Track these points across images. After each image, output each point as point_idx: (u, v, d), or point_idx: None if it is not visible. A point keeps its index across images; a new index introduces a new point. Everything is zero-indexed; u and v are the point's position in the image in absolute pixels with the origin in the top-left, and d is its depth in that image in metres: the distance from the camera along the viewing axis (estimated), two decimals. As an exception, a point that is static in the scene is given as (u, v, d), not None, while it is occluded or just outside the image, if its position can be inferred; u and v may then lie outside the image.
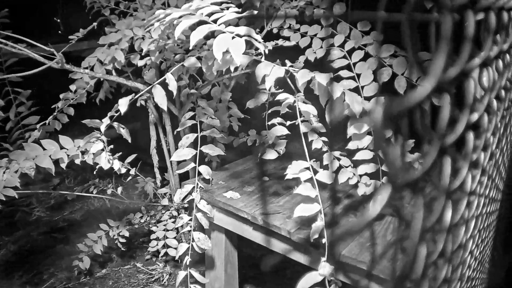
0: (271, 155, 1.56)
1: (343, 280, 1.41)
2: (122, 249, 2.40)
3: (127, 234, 2.30)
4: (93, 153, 1.67)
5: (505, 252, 2.31)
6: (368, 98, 1.54)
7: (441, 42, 0.24)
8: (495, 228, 1.49)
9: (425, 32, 0.36)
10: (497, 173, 0.97)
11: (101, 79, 2.07)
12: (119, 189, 2.31)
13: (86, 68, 1.91)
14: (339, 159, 1.56)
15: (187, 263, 1.76)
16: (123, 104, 1.57)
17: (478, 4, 0.41)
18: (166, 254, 2.19)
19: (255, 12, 1.70)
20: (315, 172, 1.39)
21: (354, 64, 1.61)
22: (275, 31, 1.92)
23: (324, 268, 1.43)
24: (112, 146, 1.74)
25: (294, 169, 1.35)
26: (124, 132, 1.72)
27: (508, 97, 0.72)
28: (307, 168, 1.37)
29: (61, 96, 2.09)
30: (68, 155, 1.64)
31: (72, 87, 2.06)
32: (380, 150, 0.20)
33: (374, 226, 1.59)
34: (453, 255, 0.52)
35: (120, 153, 1.81)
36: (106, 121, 1.62)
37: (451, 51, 0.37)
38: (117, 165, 1.75)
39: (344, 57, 1.65)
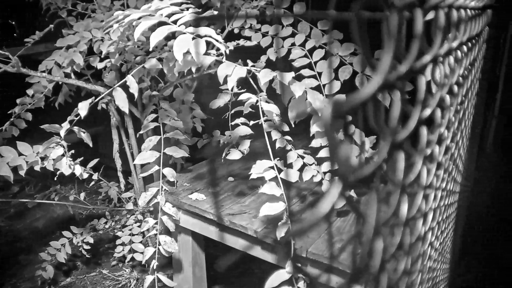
0: (235, 155, 1.56)
1: (309, 276, 1.43)
2: (87, 256, 2.35)
3: (91, 240, 2.25)
4: (53, 159, 1.63)
5: (464, 242, 2.39)
6: (329, 96, 1.56)
7: (387, 40, 0.24)
8: (455, 219, 1.54)
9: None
10: (454, 166, 1.00)
11: (60, 83, 2.01)
12: (82, 195, 2.26)
13: (44, 71, 1.86)
14: (303, 157, 1.57)
15: (154, 267, 1.74)
16: (83, 108, 1.54)
17: (427, 2, 0.43)
18: (132, 259, 2.15)
19: (216, 12, 1.70)
20: (280, 171, 1.40)
21: (315, 62, 1.63)
22: (236, 31, 1.92)
23: (291, 266, 1.44)
24: (73, 151, 1.70)
25: (258, 168, 1.36)
26: (85, 136, 1.68)
27: (461, 92, 0.75)
28: (271, 167, 1.38)
29: (18, 101, 2.02)
30: (27, 162, 1.60)
31: (29, 92, 2.00)
32: (330, 148, 0.21)
33: (338, 222, 1.61)
34: (412, 247, 0.53)
35: (82, 158, 1.77)
36: (65, 125, 1.59)
37: (403, 48, 0.38)
38: (78, 170, 1.71)
39: (305, 56, 1.66)
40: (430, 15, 0.49)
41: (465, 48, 0.72)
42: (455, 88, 0.66)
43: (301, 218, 1.60)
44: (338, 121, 0.21)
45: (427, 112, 0.42)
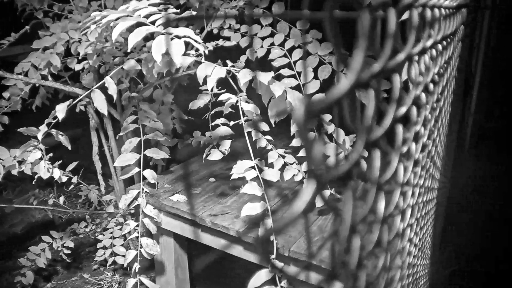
0: (216, 155, 1.56)
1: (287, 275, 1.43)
2: (68, 260, 2.31)
3: (72, 244, 2.22)
4: (31, 163, 1.61)
5: (443, 237, 2.42)
6: (309, 96, 1.56)
7: (359, 39, 0.24)
8: (434, 215, 1.56)
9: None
10: (432, 164, 1.02)
11: (37, 85, 1.98)
12: (61, 199, 2.23)
13: (20, 73, 1.83)
14: (283, 157, 1.58)
15: (136, 270, 1.72)
16: (61, 110, 1.52)
17: (401, 1, 0.43)
18: (114, 262, 2.13)
19: (194, 12, 1.69)
20: (260, 170, 1.40)
21: (295, 62, 1.64)
22: (215, 31, 1.91)
23: (274, 265, 1.44)
24: (51, 154, 1.68)
25: (239, 168, 1.36)
26: (63, 139, 1.66)
27: (437, 90, 0.76)
28: (252, 167, 1.38)
29: (-7, 104, 1.99)
30: (4, 166, 1.57)
31: (6, 94, 1.97)
32: (304, 147, 0.21)
33: (319, 221, 1.62)
34: (390, 244, 0.53)
35: (60, 161, 1.75)
36: (43, 128, 1.56)
37: (378, 47, 0.38)
38: (57, 173, 1.69)
39: (285, 55, 1.67)
40: (406, 15, 0.49)
41: (440, 46, 0.73)
42: (431, 86, 0.67)
43: (281, 217, 1.60)
44: (311, 120, 0.21)
45: (403, 110, 0.42)
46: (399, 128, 0.44)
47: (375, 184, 0.36)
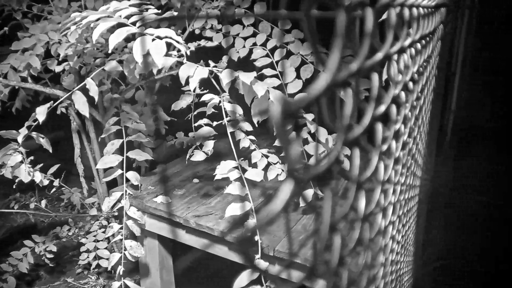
0: (199, 156, 1.55)
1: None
2: (50, 265, 2.28)
3: (54, 249, 2.19)
4: (12, 166, 1.59)
5: (426, 234, 2.45)
6: (292, 95, 1.57)
7: (335, 39, 0.25)
8: (417, 212, 1.58)
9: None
10: (413, 161, 1.03)
11: (16, 87, 1.95)
12: (43, 202, 2.20)
13: (-1, 76, 1.80)
14: (267, 157, 1.58)
15: (121, 273, 1.71)
16: (41, 113, 1.50)
17: (379, 1, 0.44)
18: (98, 266, 2.11)
19: (176, 13, 1.68)
20: (244, 171, 1.40)
21: (277, 62, 1.64)
22: (197, 31, 1.91)
23: (259, 265, 1.44)
24: (32, 158, 1.66)
25: (223, 169, 1.36)
26: (44, 142, 1.64)
27: (417, 89, 0.77)
28: (236, 168, 1.38)
29: (-28, 107, 1.95)
30: (-17, 170, 1.54)
31: (-16, 97, 1.93)
32: (283, 147, 0.21)
33: (304, 220, 1.63)
34: (372, 241, 0.54)
35: (42, 164, 1.72)
36: (23, 131, 1.54)
37: (357, 46, 0.39)
38: (38, 177, 1.67)
39: (267, 55, 1.67)
40: (386, 15, 0.50)
41: (419, 45, 0.74)
42: (411, 84, 0.68)
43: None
44: (289, 120, 0.21)
45: (382, 108, 0.43)
46: (379, 127, 0.44)
47: (355, 182, 0.36)
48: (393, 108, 0.53)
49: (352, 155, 0.36)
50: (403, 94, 0.60)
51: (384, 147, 0.49)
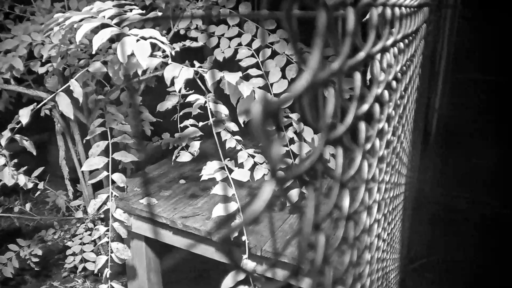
0: (185, 157, 1.55)
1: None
2: (36, 269, 2.26)
3: (40, 252, 2.17)
4: (-5, 169, 1.57)
5: (411, 231, 2.48)
6: (278, 95, 1.57)
7: (316, 38, 0.25)
8: (402, 210, 1.60)
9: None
10: (398, 160, 1.04)
11: (-1, 89, 1.93)
12: (28, 206, 2.18)
13: (-20, 78, 1.78)
14: (253, 156, 1.58)
15: (108, 276, 1.70)
16: (24, 115, 1.49)
17: (361, 1, 0.44)
18: (84, 269, 2.09)
19: (160, 13, 1.68)
20: (230, 171, 1.40)
21: (262, 62, 1.64)
22: (182, 32, 1.90)
23: (247, 265, 1.45)
24: (16, 160, 1.64)
25: (209, 169, 1.35)
26: (28, 144, 1.62)
27: (400, 88, 0.77)
28: (222, 168, 1.38)
29: (-47, 109, 1.92)
30: (-35, 174, 1.52)
31: (-34, 100, 1.91)
32: (262, 147, 0.21)
33: (291, 219, 1.63)
34: (357, 239, 0.54)
35: (26, 167, 1.70)
36: (6, 134, 1.52)
37: (339, 45, 0.39)
38: (22, 180, 1.65)
39: (252, 55, 1.67)
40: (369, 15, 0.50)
41: (402, 44, 0.75)
42: (394, 83, 0.68)
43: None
44: (269, 119, 0.21)
45: (365, 107, 0.43)
46: (362, 126, 0.44)
47: (339, 181, 0.36)
48: (377, 107, 0.53)
49: (335, 154, 0.36)
50: (386, 93, 0.61)
51: (368, 146, 0.49)
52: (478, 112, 2.86)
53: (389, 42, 0.56)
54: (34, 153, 1.63)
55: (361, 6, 0.43)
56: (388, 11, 0.55)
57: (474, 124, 2.89)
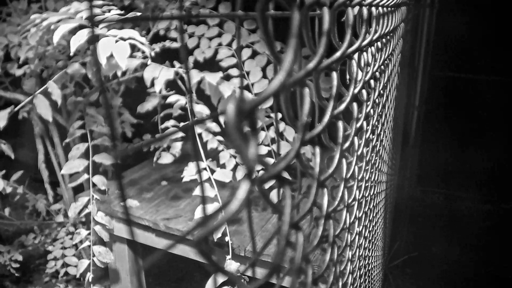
0: (166, 158, 1.54)
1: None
2: (16, 274, 2.22)
3: (20, 257, 2.13)
4: (-29, 174, 1.53)
5: (393, 228, 2.50)
6: (258, 95, 1.57)
7: (290, 39, 0.25)
8: (384, 207, 1.61)
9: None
10: (378, 158, 1.05)
11: (-26, 92, 1.89)
12: (7, 210, 2.14)
13: (-45, 81, 1.74)
14: (235, 157, 1.58)
15: (90, 280, 1.68)
16: (1, 118, 1.46)
17: (337, 1, 0.44)
18: (66, 273, 2.07)
19: (139, 14, 1.66)
20: (213, 172, 1.40)
21: (243, 62, 1.64)
22: (162, 32, 1.89)
23: (230, 266, 1.44)
24: (-7, 165, 1.61)
25: (191, 170, 1.35)
26: (5, 148, 1.60)
27: (378, 86, 0.78)
28: (204, 169, 1.38)
29: None
30: None
31: None
32: (236, 147, 0.21)
33: (274, 218, 1.63)
34: (337, 238, 0.55)
35: (4, 171, 1.67)
36: (-17, 137, 1.50)
37: (313, 45, 0.39)
38: (1, 184, 1.63)
39: (233, 55, 1.67)
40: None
41: (380, 44, 0.75)
42: (372, 82, 0.69)
43: (237, 218, 1.61)
44: (243, 119, 0.21)
45: (342, 106, 0.44)
46: (340, 124, 0.45)
47: (316, 180, 0.36)
48: (354, 106, 0.54)
49: (313, 153, 0.36)
50: (364, 91, 0.62)
51: (346, 145, 0.49)
52: (456, 110, 2.91)
53: (366, 41, 0.56)
54: (12, 157, 1.60)
55: (336, 6, 0.44)
56: (365, 11, 0.55)
57: (453, 122, 2.94)
